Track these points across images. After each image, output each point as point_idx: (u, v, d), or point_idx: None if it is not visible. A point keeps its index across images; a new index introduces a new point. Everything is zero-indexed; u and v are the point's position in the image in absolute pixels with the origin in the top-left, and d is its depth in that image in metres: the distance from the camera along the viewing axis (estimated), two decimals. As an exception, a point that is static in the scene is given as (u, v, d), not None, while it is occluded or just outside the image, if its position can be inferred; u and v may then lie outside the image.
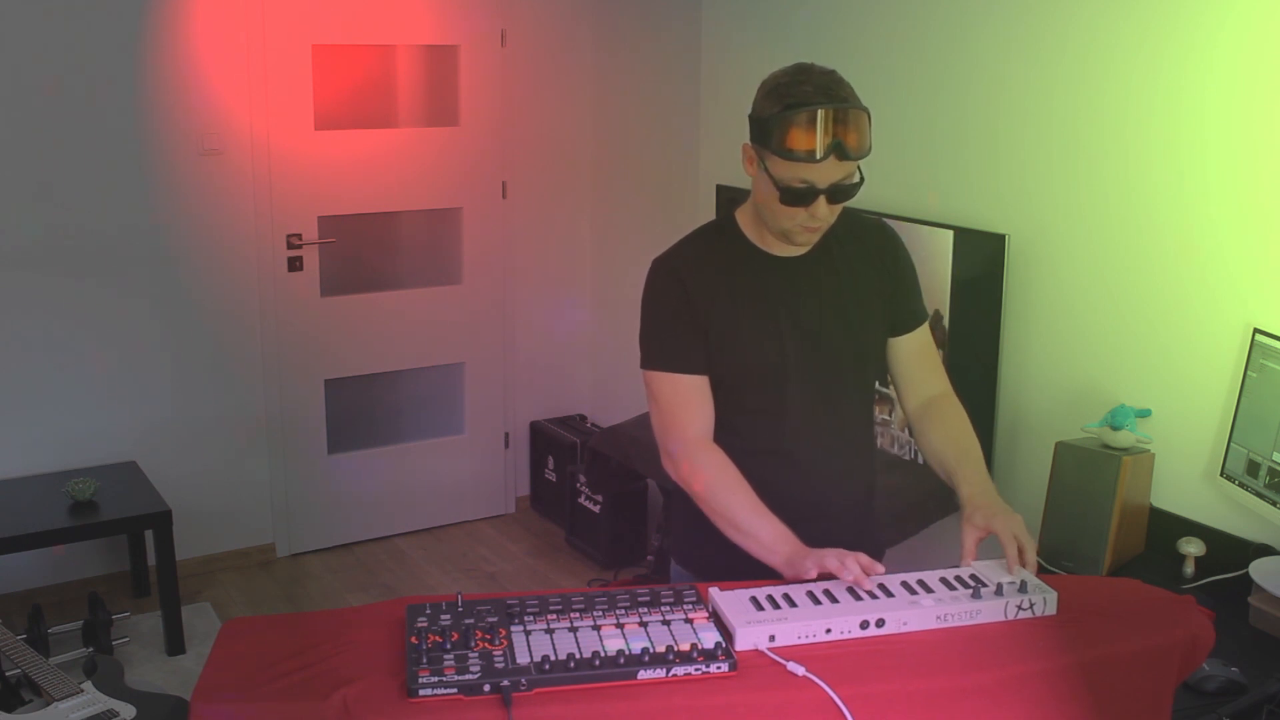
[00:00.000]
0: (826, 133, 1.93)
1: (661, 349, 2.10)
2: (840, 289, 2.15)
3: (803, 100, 1.94)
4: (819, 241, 2.13)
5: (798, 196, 1.99)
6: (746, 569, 2.01)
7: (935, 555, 3.53)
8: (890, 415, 3.71)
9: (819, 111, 1.92)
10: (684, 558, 2.28)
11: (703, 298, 2.10)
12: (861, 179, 2.03)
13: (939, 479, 3.53)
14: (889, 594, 1.81)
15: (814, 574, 1.87)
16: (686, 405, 2.08)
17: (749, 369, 2.11)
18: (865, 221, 2.25)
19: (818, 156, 1.93)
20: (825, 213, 2.02)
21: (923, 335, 2.26)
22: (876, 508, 2.33)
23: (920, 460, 3.60)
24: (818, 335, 2.12)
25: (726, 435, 2.14)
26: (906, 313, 2.24)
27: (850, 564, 1.86)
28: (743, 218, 2.16)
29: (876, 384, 2.34)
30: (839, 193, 2.00)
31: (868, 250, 2.20)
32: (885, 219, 3.60)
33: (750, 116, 2.04)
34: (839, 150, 1.94)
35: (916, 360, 2.25)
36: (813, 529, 2.09)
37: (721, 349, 2.10)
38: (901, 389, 2.27)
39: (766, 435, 2.14)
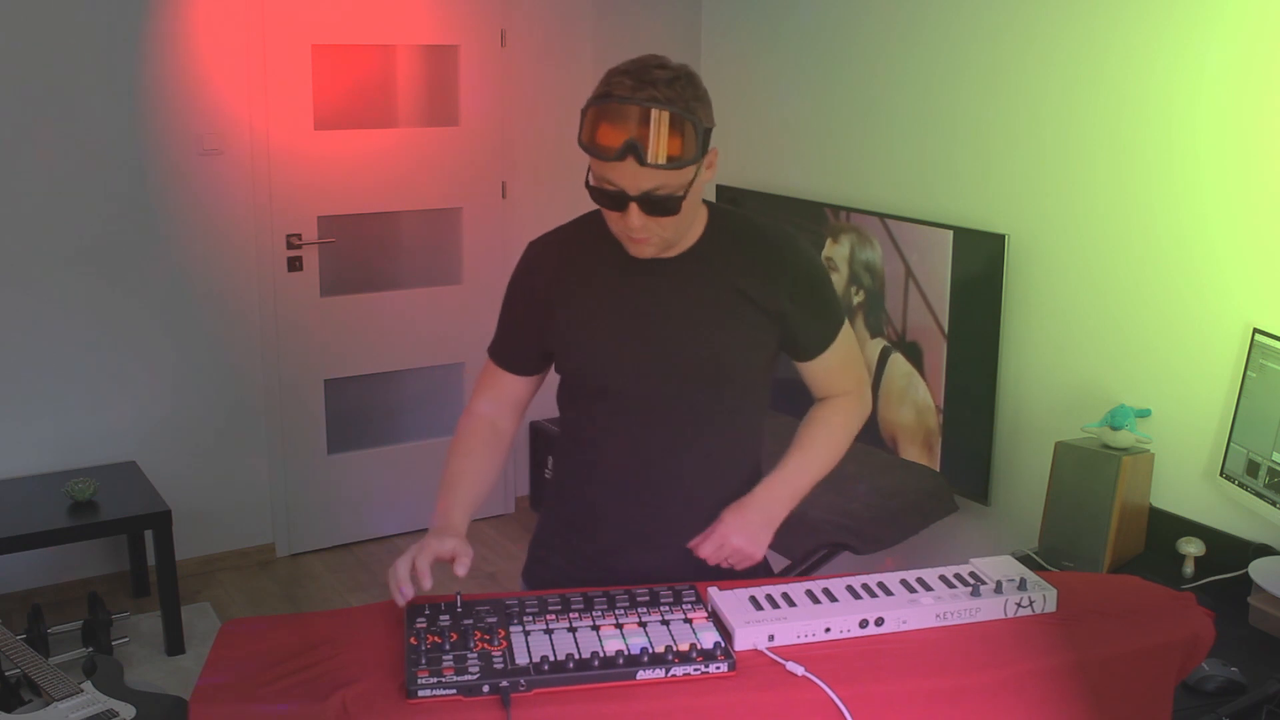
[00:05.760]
0: (622, 131, 1.73)
1: (497, 340, 2.13)
2: (705, 301, 1.93)
3: (610, 91, 1.75)
4: (696, 246, 1.94)
5: (606, 199, 1.81)
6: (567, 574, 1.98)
7: (935, 555, 3.54)
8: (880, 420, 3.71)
9: (616, 107, 1.73)
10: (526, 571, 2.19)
11: (555, 292, 1.99)
12: (685, 194, 1.79)
13: (937, 479, 3.55)
14: (888, 592, 1.80)
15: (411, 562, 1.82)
16: (491, 390, 2.13)
17: (582, 370, 2.00)
18: (762, 232, 1.99)
19: (611, 156, 1.74)
20: (641, 223, 1.80)
21: (833, 355, 2.03)
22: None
23: (918, 460, 3.60)
24: (664, 347, 1.93)
25: (567, 428, 2.10)
26: (810, 338, 2.00)
27: (402, 567, 1.79)
28: None
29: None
30: (652, 204, 1.78)
31: (754, 264, 1.94)
32: (884, 219, 3.61)
33: None
34: (635, 153, 1.72)
35: (827, 378, 2.06)
36: (634, 549, 2.01)
37: (562, 346, 2.01)
38: (813, 394, 2.11)
39: (596, 440, 2.02)
